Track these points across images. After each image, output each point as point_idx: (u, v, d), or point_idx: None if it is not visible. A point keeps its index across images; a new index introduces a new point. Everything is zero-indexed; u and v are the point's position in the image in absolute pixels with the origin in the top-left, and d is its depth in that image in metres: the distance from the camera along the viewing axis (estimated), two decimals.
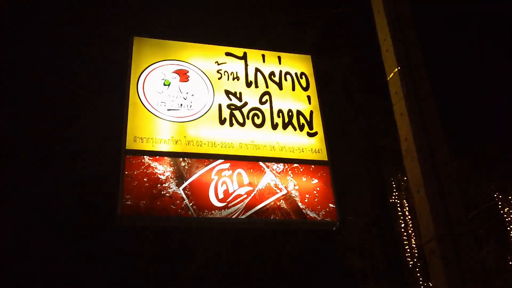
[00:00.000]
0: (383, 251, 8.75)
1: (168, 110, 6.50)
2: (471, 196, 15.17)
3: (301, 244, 17.27)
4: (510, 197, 15.07)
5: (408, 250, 15.91)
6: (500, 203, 15.18)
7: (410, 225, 15.91)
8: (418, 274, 15.74)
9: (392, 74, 5.16)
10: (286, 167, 6.56)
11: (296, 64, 7.50)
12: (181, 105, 6.59)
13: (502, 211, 15.21)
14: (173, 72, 6.83)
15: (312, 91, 7.28)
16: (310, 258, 17.57)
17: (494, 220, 15.49)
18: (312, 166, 6.67)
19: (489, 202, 15.46)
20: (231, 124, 6.65)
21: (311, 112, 7.10)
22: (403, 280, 7.42)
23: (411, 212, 15.83)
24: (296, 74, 7.38)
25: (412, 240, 15.84)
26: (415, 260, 15.80)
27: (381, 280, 16.37)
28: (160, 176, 6.05)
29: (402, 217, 15.99)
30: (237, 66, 7.17)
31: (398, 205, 16.24)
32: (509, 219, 15.10)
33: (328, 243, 17.07)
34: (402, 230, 15.98)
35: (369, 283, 17.31)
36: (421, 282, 15.78)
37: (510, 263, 15.12)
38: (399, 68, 5.07)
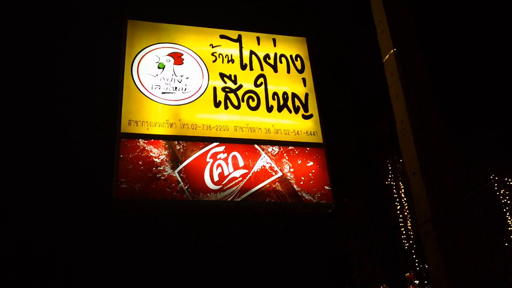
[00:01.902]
0: (378, 234, 8.76)
1: (163, 93, 6.46)
2: (467, 178, 15.21)
3: (296, 227, 17.30)
4: (505, 179, 15.12)
5: (404, 232, 15.98)
6: (495, 185, 15.23)
7: (406, 207, 15.96)
8: (414, 256, 15.82)
9: (387, 55, 5.12)
10: (282, 149, 6.54)
11: (291, 46, 7.46)
12: (176, 88, 6.56)
13: (497, 193, 15.27)
14: (167, 55, 6.79)
15: (307, 73, 7.25)
16: (305, 242, 17.61)
17: (490, 202, 15.55)
18: (308, 148, 6.65)
19: (484, 184, 15.52)
20: (226, 107, 6.62)
21: (306, 95, 7.07)
22: (399, 263, 7.44)
23: (407, 195, 15.89)
24: (291, 56, 7.34)
25: (408, 222, 15.91)
26: (410, 242, 15.87)
27: (376, 262, 16.46)
28: (155, 159, 6.03)
29: (398, 200, 16.05)
30: (231, 48, 7.13)
31: (394, 187, 16.28)
32: (505, 201, 15.16)
33: (323, 226, 17.11)
34: (398, 212, 16.05)
35: (364, 266, 17.40)
36: (416, 264, 15.87)
37: (506, 244, 15.19)
38: (394, 49, 5.03)
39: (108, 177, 6.10)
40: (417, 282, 16.08)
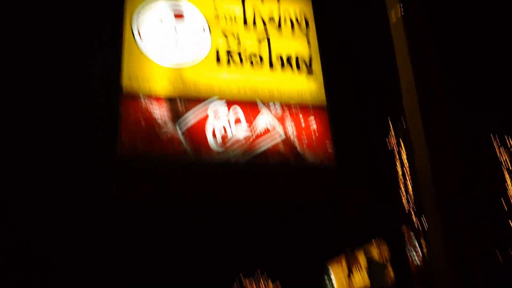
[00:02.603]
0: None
1: (165, 52, 6.38)
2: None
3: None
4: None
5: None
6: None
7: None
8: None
9: (395, 19, 5.14)
10: (285, 110, 6.47)
11: (296, 5, 7.31)
12: (178, 47, 6.47)
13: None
14: (169, 12, 6.69)
15: (312, 34, 7.12)
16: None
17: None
18: (311, 110, 6.57)
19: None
20: (229, 67, 6.52)
21: (310, 56, 6.98)
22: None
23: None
24: (296, 16, 7.20)
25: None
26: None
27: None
28: (158, 119, 5.96)
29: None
30: (235, 6, 7.00)
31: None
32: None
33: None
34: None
35: None
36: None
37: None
38: (402, 13, 5.05)
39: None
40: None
